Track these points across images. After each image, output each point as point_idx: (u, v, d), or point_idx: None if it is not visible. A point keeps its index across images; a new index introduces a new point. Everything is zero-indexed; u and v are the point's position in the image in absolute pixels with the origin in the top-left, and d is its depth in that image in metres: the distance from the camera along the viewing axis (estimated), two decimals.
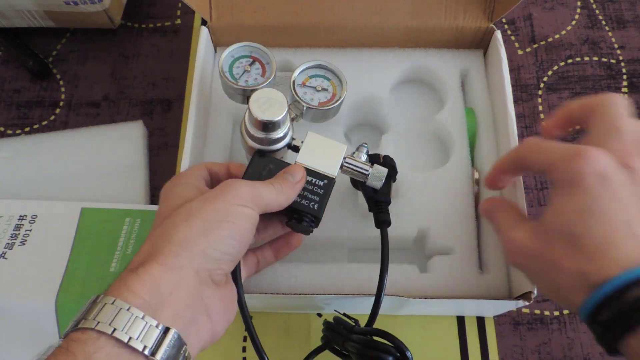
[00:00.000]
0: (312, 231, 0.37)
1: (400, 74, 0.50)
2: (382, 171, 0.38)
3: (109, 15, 0.57)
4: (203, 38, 0.47)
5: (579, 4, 0.62)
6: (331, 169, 0.37)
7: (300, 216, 0.36)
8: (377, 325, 0.37)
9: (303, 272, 0.43)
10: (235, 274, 0.35)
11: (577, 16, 0.62)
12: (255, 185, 0.33)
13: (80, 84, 0.59)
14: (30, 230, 0.49)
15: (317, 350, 0.40)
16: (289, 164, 0.37)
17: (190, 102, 0.44)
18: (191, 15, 0.62)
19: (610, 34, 0.61)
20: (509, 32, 0.61)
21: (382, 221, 0.39)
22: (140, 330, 0.26)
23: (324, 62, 0.41)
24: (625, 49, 0.60)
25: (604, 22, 0.61)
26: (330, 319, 0.39)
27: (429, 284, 0.42)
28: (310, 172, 0.37)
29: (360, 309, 0.42)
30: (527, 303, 0.38)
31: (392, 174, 0.41)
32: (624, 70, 0.59)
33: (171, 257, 0.29)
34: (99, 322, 0.26)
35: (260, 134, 0.37)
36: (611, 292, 0.28)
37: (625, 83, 0.58)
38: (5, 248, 0.47)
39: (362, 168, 0.39)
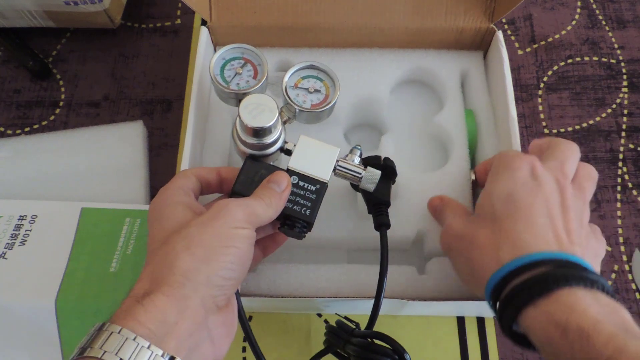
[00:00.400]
0: (304, 236, 0.37)
1: (400, 74, 0.50)
2: (375, 174, 0.38)
3: (109, 15, 0.57)
4: (203, 38, 0.47)
5: (579, 4, 0.62)
6: (323, 173, 0.37)
7: (292, 222, 0.36)
8: (378, 325, 0.37)
9: (302, 272, 0.43)
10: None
11: (577, 16, 0.62)
12: (248, 204, 0.33)
13: (80, 84, 0.59)
14: (30, 230, 0.49)
15: (320, 354, 0.40)
16: (279, 169, 0.37)
17: (190, 102, 0.44)
18: (191, 15, 0.62)
19: (610, 34, 0.61)
20: (509, 32, 0.61)
21: (382, 224, 0.39)
22: (146, 359, 0.26)
23: (317, 63, 0.41)
24: (625, 49, 0.60)
25: (604, 22, 0.61)
26: (331, 321, 0.39)
27: (428, 285, 0.42)
28: (302, 176, 0.37)
29: (360, 310, 0.42)
30: None
31: (391, 176, 0.41)
32: (624, 70, 0.59)
33: (176, 288, 0.29)
34: (105, 352, 0.26)
35: (251, 140, 0.37)
36: (516, 268, 0.30)
37: (625, 83, 0.58)
38: (5, 248, 0.47)
39: (355, 171, 0.38)
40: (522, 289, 0.30)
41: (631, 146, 0.55)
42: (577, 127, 0.56)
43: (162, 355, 0.27)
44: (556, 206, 0.33)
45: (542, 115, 0.57)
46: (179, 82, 0.59)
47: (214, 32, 0.49)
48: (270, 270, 0.43)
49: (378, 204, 0.40)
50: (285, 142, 0.39)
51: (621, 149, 0.55)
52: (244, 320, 0.35)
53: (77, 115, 0.58)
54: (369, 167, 0.39)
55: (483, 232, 0.34)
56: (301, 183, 0.37)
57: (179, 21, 0.62)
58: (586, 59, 0.59)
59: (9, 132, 0.57)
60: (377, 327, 0.37)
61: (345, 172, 0.38)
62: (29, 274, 0.46)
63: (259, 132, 0.36)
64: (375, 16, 0.48)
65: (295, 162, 0.37)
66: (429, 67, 0.50)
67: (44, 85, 0.59)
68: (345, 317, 0.39)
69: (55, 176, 0.53)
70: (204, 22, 0.49)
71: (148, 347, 0.26)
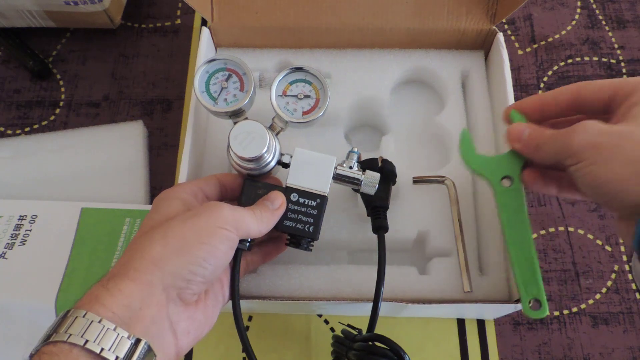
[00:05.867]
0: (312, 249, 0.38)
1: (400, 74, 0.50)
2: (374, 177, 0.38)
3: (109, 15, 0.57)
4: (204, 38, 0.47)
5: (579, 4, 0.62)
6: (322, 186, 0.37)
7: (297, 240, 0.37)
8: (379, 326, 0.37)
9: (303, 273, 0.42)
10: (233, 289, 0.36)
11: (577, 16, 0.62)
12: (237, 210, 0.33)
13: (80, 84, 0.59)
14: (30, 230, 0.49)
15: None
16: (278, 187, 0.37)
17: (190, 102, 0.44)
18: (191, 15, 0.62)
19: (610, 34, 0.61)
20: (509, 32, 0.61)
21: (379, 227, 0.39)
22: (112, 341, 0.26)
23: (303, 66, 0.40)
24: (625, 49, 0.60)
25: (604, 22, 0.61)
26: (334, 325, 0.39)
27: (429, 285, 0.42)
28: (302, 192, 0.37)
29: (361, 312, 0.42)
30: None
31: (391, 178, 0.41)
32: (624, 70, 0.59)
33: (142, 273, 0.29)
34: (70, 335, 0.26)
35: (246, 164, 0.37)
36: None
37: None
38: (5, 248, 0.47)
39: (353, 178, 0.38)
40: None
41: None
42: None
43: (129, 337, 0.27)
44: None
45: None
46: (179, 82, 0.59)
47: (215, 32, 0.49)
48: (270, 271, 0.43)
49: (376, 207, 0.40)
50: (282, 155, 0.38)
51: None
52: (242, 330, 0.36)
53: (77, 115, 0.58)
54: (367, 171, 0.39)
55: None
56: (301, 200, 0.37)
57: (179, 21, 0.62)
58: (586, 59, 0.60)
59: (9, 132, 0.57)
60: (377, 328, 0.37)
61: (345, 179, 0.38)
62: (29, 274, 0.46)
63: (252, 160, 0.36)
64: (376, 17, 0.48)
65: (293, 179, 0.37)
66: (429, 67, 0.50)
67: (44, 85, 0.59)
68: (349, 325, 0.39)
69: (55, 176, 0.53)
70: (204, 22, 0.49)
71: (114, 329, 0.27)
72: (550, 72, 0.59)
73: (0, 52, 0.61)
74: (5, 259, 0.47)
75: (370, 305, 0.37)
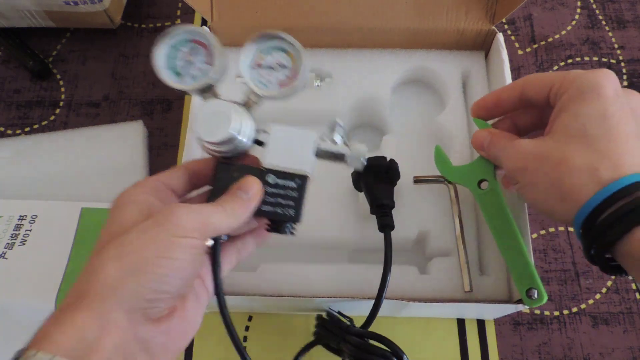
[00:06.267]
0: (295, 233, 0.35)
1: (401, 74, 0.50)
2: (361, 150, 0.35)
3: (109, 15, 0.57)
4: None
5: (579, 4, 0.62)
6: (303, 164, 0.33)
7: (278, 225, 0.34)
8: (379, 326, 0.37)
9: (303, 272, 0.42)
10: (217, 285, 0.32)
11: (577, 16, 0.62)
12: (202, 211, 0.29)
13: (80, 84, 0.59)
14: (30, 230, 0.48)
15: (310, 346, 0.40)
16: (253, 169, 0.33)
17: (190, 102, 0.44)
18: (191, 15, 0.62)
19: (610, 34, 0.61)
20: (509, 32, 0.61)
21: (386, 225, 0.39)
22: None
23: (279, 33, 0.35)
24: (625, 49, 0.60)
25: (604, 22, 0.61)
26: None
27: (429, 285, 0.42)
28: (280, 174, 0.33)
29: (360, 310, 0.42)
30: (527, 307, 0.38)
31: (396, 178, 0.41)
32: (624, 70, 0.59)
33: (97, 302, 0.26)
34: None
35: (217, 148, 0.33)
36: (623, 188, 0.29)
37: (625, 83, 0.58)
38: (5, 248, 0.47)
39: (337, 153, 0.35)
40: (632, 209, 0.28)
41: None
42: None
43: None
44: (634, 125, 0.32)
45: None
46: None
47: (215, 32, 0.49)
48: (270, 270, 0.43)
49: (382, 205, 0.40)
50: (257, 132, 0.34)
51: None
52: (230, 328, 0.33)
53: (77, 115, 0.58)
54: (353, 144, 0.35)
55: (575, 152, 0.31)
56: (280, 182, 0.33)
57: (179, 21, 0.62)
58: (586, 59, 0.60)
59: (9, 132, 0.57)
60: (376, 328, 0.37)
61: (329, 155, 0.35)
62: (29, 273, 0.46)
63: (221, 144, 0.32)
64: (376, 17, 0.48)
65: (270, 159, 0.33)
66: (430, 67, 0.50)
67: (44, 85, 0.59)
68: (339, 312, 0.39)
69: (55, 176, 0.53)
70: (204, 22, 0.49)
71: None
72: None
73: (0, 52, 0.61)
74: (5, 259, 0.47)
75: (370, 303, 0.37)
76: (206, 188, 0.34)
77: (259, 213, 0.33)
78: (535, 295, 0.37)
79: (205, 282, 0.32)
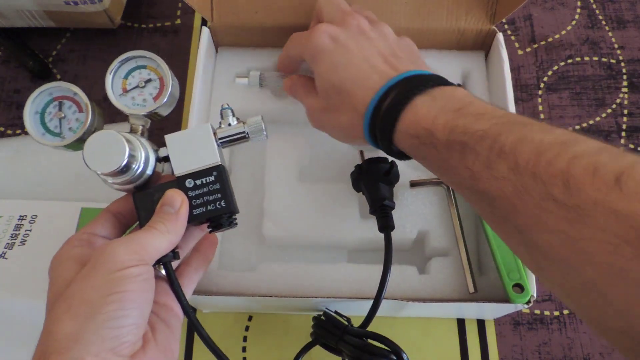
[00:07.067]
0: (236, 224, 0.35)
1: None
2: (257, 121, 0.35)
3: (109, 15, 0.57)
4: (204, 38, 0.47)
5: (579, 4, 0.62)
6: (210, 157, 0.33)
7: (216, 221, 0.33)
8: (378, 326, 0.37)
9: (302, 272, 0.42)
10: (182, 304, 0.32)
11: (577, 16, 0.62)
12: (134, 238, 0.30)
13: (80, 84, 0.59)
14: (30, 230, 0.48)
15: (309, 346, 0.41)
16: (170, 183, 0.33)
17: (190, 102, 0.44)
18: (191, 15, 0.62)
19: (610, 34, 0.61)
20: (509, 32, 0.61)
21: (386, 225, 0.39)
22: None
23: (128, 54, 0.36)
24: (625, 49, 0.60)
25: (604, 22, 0.61)
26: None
27: (429, 285, 0.42)
28: (194, 175, 0.33)
29: (360, 311, 0.42)
30: (527, 306, 0.38)
31: (396, 179, 0.41)
32: (624, 70, 0.59)
33: (64, 354, 0.26)
34: None
35: (121, 179, 0.32)
36: (373, 110, 0.35)
37: (625, 83, 0.58)
38: (5, 248, 0.47)
39: (237, 133, 0.35)
40: (384, 119, 0.34)
41: (631, 146, 0.55)
42: (577, 127, 0.57)
43: None
44: (368, 48, 0.38)
45: (542, 115, 0.57)
46: (179, 82, 0.59)
47: (215, 32, 0.49)
48: (269, 270, 0.43)
49: (382, 205, 0.40)
50: (157, 151, 0.34)
51: (621, 149, 0.55)
52: (206, 339, 0.32)
53: None
54: (248, 119, 0.35)
55: (337, 100, 0.38)
56: (198, 182, 0.33)
57: (179, 21, 0.62)
58: (586, 59, 0.60)
59: (9, 132, 0.57)
60: (376, 328, 0.37)
61: (230, 140, 0.35)
62: (29, 273, 0.46)
63: (119, 173, 0.32)
64: (376, 16, 0.48)
65: (178, 167, 0.33)
66: (430, 67, 0.50)
67: None
68: (336, 312, 0.39)
69: (55, 176, 0.53)
70: (204, 22, 0.49)
71: None
72: (550, 72, 0.59)
73: (0, 52, 0.61)
74: (5, 259, 0.47)
75: (369, 303, 0.37)
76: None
77: (193, 219, 0.33)
78: (521, 292, 0.38)
79: (174, 308, 0.32)
